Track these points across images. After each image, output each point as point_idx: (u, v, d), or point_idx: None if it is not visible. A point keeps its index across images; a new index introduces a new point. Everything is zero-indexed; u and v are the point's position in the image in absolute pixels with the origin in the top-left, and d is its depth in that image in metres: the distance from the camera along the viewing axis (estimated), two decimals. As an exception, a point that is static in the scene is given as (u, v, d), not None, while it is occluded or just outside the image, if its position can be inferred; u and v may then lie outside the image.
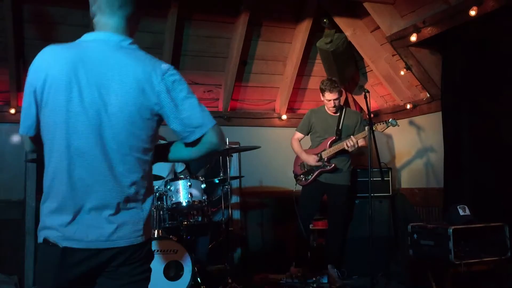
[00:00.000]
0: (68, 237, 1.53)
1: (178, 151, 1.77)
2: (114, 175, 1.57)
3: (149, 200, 1.66)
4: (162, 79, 1.59)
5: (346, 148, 4.34)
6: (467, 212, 3.91)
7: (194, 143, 1.68)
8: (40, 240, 1.60)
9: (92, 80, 1.55)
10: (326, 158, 4.49)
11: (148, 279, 1.66)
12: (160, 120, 1.65)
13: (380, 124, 4.38)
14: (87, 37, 1.65)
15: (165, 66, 1.62)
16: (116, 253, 1.56)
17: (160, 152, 1.77)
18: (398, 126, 4.41)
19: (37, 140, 1.63)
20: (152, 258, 1.70)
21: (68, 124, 1.54)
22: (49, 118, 1.56)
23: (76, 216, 1.54)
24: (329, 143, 4.51)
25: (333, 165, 4.48)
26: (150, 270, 1.67)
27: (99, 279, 1.60)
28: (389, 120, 4.35)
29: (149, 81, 1.58)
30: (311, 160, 4.52)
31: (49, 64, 1.57)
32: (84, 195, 1.55)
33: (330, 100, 4.51)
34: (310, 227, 4.99)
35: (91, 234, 1.53)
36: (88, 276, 1.58)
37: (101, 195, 1.55)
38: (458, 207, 3.92)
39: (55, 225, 1.55)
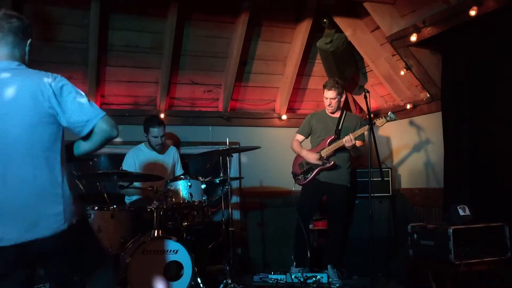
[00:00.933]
0: None
1: (80, 146, 2.10)
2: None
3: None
4: (50, 86, 1.95)
5: (344, 143, 4.36)
6: (467, 212, 3.90)
7: (89, 136, 2.02)
8: None
9: None
10: (325, 156, 4.51)
11: None
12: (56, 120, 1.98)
13: (379, 119, 4.39)
14: None
15: (52, 75, 1.99)
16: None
17: (68, 151, 2.08)
18: (397, 119, 4.44)
19: None
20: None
21: None
22: None
23: None
24: (328, 141, 4.54)
25: (332, 162, 4.49)
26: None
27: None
28: (388, 114, 4.38)
29: (40, 90, 1.93)
30: (311, 157, 4.54)
31: None
32: None
33: (326, 98, 4.61)
34: (310, 227, 4.99)
35: None
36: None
37: None
38: (458, 207, 3.92)
39: None
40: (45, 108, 1.93)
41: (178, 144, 5.23)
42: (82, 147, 2.09)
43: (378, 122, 4.38)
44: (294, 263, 4.61)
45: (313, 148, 4.67)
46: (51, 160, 1.96)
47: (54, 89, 1.95)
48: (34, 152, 1.93)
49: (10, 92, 1.92)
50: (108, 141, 2.07)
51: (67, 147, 2.09)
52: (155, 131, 4.48)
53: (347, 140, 4.34)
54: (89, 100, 2.03)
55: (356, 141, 4.44)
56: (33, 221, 1.90)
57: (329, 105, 4.61)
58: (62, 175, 1.99)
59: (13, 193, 1.90)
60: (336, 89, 4.54)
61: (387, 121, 4.39)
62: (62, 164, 2.00)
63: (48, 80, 1.96)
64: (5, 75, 1.96)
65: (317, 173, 4.56)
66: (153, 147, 4.60)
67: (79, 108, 1.98)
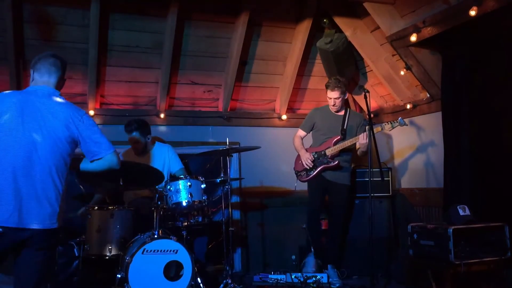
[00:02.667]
0: None
1: (86, 163, 2.63)
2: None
3: None
4: (80, 118, 2.52)
5: (359, 141, 4.36)
6: (467, 212, 3.91)
7: (99, 160, 2.58)
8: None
9: (32, 116, 2.42)
10: (330, 155, 4.52)
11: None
12: (76, 144, 2.55)
13: (387, 124, 4.41)
14: (30, 88, 2.56)
15: (82, 111, 2.57)
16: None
17: (74, 163, 2.59)
18: (407, 125, 4.45)
19: None
20: None
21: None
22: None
23: None
24: (334, 141, 4.54)
25: (337, 161, 4.51)
26: None
27: None
28: (398, 120, 4.39)
29: (72, 119, 2.49)
30: (305, 158, 4.55)
31: (5, 98, 2.45)
32: None
33: (330, 98, 4.61)
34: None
35: None
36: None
37: None
38: (458, 207, 3.92)
39: None
40: (72, 134, 2.49)
41: None
42: (88, 165, 2.62)
43: (386, 127, 4.41)
44: (312, 252, 4.53)
45: (317, 146, 4.66)
46: (60, 171, 2.47)
47: (83, 122, 2.53)
48: (53, 161, 2.43)
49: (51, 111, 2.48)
50: (109, 169, 2.62)
51: (75, 160, 2.56)
52: (128, 136, 4.47)
53: (363, 137, 4.31)
54: (104, 137, 2.59)
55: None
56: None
57: (333, 105, 4.61)
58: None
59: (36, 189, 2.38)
60: (340, 88, 4.55)
61: (393, 127, 4.41)
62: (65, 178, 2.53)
63: (80, 114, 2.53)
64: (51, 101, 2.52)
65: (320, 171, 4.56)
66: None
67: (97, 141, 2.55)
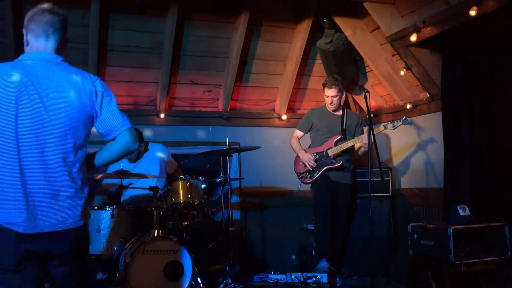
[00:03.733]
0: None
1: (101, 155, 2.18)
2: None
3: None
4: (93, 86, 2.05)
5: (363, 140, 4.36)
6: (467, 212, 3.91)
7: (112, 144, 2.13)
8: None
9: (33, 87, 1.94)
10: (332, 156, 4.51)
11: None
12: (92, 120, 2.08)
13: (389, 123, 4.43)
14: (25, 56, 2.06)
15: (94, 76, 2.09)
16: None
17: (89, 160, 2.17)
18: (410, 124, 4.48)
19: None
20: None
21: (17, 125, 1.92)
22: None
23: None
24: (334, 141, 4.54)
25: (341, 162, 4.50)
26: None
27: None
28: (403, 118, 4.42)
29: (83, 86, 2.02)
30: (307, 159, 4.54)
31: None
32: None
33: (328, 97, 4.60)
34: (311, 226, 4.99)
35: None
36: None
37: None
38: (458, 207, 3.92)
39: None
40: (85, 105, 2.03)
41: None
42: (102, 156, 2.18)
43: (389, 126, 4.43)
44: (324, 260, 4.45)
45: (317, 146, 4.65)
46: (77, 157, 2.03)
47: (96, 89, 2.06)
48: (67, 147, 2.00)
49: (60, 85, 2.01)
50: (127, 152, 2.17)
51: (89, 157, 2.16)
52: None
53: (366, 137, 4.28)
54: (120, 110, 2.15)
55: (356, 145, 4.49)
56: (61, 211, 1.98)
57: (330, 103, 4.60)
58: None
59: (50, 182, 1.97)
60: (337, 86, 4.54)
61: (395, 127, 4.42)
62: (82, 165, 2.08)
63: (92, 79, 2.07)
64: (55, 68, 2.04)
65: (324, 173, 4.55)
66: None
67: (113, 114, 2.09)
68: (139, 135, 4.43)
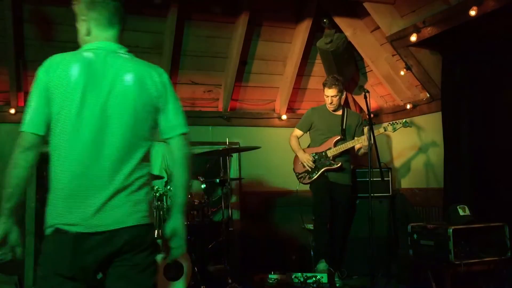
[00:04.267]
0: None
1: (179, 188, 1.99)
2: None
3: None
4: (160, 77, 1.92)
5: (363, 142, 4.35)
6: (467, 212, 3.91)
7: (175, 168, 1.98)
8: None
9: (100, 79, 1.80)
10: (331, 157, 4.51)
11: None
12: (157, 114, 1.92)
13: (389, 125, 4.44)
14: (90, 46, 1.90)
15: (160, 68, 1.96)
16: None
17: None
18: (410, 127, 4.53)
19: (41, 138, 1.79)
20: None
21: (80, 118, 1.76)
22: (61, 115, 1.76)
23: None
24: (334, 142, 4.53)
25: (340, 163, 4.50)
26: None
27: None
28: (404, 121, 4.43)
29: (149, 76, 1.88)
30: (306, 160, 4.53)
31: (61, 66, 1.79)
32: None
33: (328, 97, 4.58)
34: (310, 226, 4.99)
35: None
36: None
37: None
38: (458, 207, 3.92)
39: None
40: (152, 97, 1.89)
41: None
42: (182, 189, 1.98)
43: (389, 129, 4.44)
44: (323, 260, 4.42)
45: (317, 146, 4.65)
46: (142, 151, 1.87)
47: (163, 81, 1.94)
48: (134, 140, 1.84)
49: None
50: (188, 160, 1.99)
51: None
52: None
53: (366, 139, 4.27)
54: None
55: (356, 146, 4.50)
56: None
57: (330, 103, 4.59)
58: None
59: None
60: (337, 86, 4.53)
61: (394, 129, 4.44)
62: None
63: (159, 71, 1.94)
64: (120, 59, 1.90)
65: (322, 173, 4.55)
66: None
67: (177, 111, 1.99)
68: None
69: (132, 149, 1.82)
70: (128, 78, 1.83)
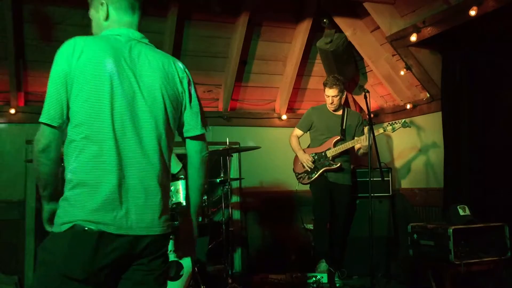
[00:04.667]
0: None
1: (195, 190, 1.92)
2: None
3: None
4: (184, 71, 1.82)
5: (361, 142, 4.36)
6: (467, 212, 3.91)
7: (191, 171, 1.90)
8: None
9: (127, 66, 1.67)
10: (331, 157, 4.51)
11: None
12: (181, 109, 1.82)
13: (389, 125, 4.44)
14: (111, 31, 1.77)
15: (182, 63, 1.86)
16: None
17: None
18: (410, 127, 4.54)
19: (60, 130, 1.65)
20: None
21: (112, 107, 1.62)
22: (87, 104, 1.61)
23: None
24: (333, 142, 4.53)
25: (339, 164, 4.50)
26: None
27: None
28: (403, 121, 4.44)
29: (174, 68, 1.78)
30: (305, 160, 4.53)
31: (84, 52, 1.63)
32: None
33: (328, 97, 4.58)
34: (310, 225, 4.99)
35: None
36: None
37: None
38: (458, 207, 3.92)
39: None
40: (176, 88, 1.78)
41: None
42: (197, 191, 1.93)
43: (389, 128, 4.43)
44: (323, 260, 4.44)
45: (316, 146, 4.65)
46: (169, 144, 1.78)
47: (187, 75, 1.84)
48: (161, 132, 1.73)
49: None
50: (205, 164, 1.92)
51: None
52: None
53: (366, 139, 4.28)
54: None
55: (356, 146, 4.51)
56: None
57: (331, 103, 4.58)
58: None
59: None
60: (338, 86, 4.52)
61: (394, 129, 4.44)
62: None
63: (182, 65, 1.85)
64: (144, 47, 1.78)
65: (322, 174, 4.55)
66: None
67: (198, 109, 1.87)
68: None
69: (163, 148, 1.71)
70: (155, 69, 1.72)
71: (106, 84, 1.62)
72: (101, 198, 1.57)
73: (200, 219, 4.04)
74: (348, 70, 5.34)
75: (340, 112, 4.69)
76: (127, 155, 1.62)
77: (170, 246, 3.56)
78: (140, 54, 1.72)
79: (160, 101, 1.71)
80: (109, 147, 1.60)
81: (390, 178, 4.96)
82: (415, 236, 3.98)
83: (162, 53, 1.80)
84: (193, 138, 1.87)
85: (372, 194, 4.08)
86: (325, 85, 4.58)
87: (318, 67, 5.67)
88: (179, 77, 1.78)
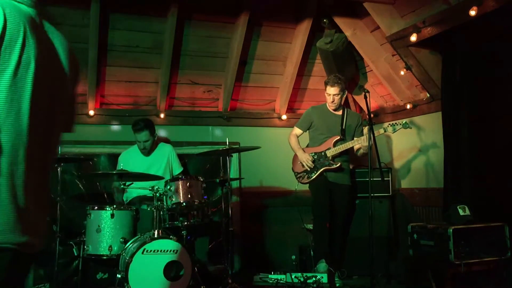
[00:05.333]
0: None
1: None
2: None
3: None
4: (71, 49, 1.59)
5: (361, 142, 4.36)
6: (467, 212, 3.91)
7: None
8: None
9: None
10: (330, 157, 4.51)
11: None
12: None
13: (390, 126, 4.44)
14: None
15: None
16: None
17: None
18: (411, 128, 4.55)
19: None
20: None
21: None
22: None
23: None
24: (333, 142, 4.53)
25: (339, 164, 4.50)
26: None
27: None
28: (404, 122, 4.44)
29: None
30: (305, 159, 4.53)
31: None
32: None
33: (329, 95, 4.57)
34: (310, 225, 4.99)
35: None
36: None
37: None
38: (458, 207, 3.92)
39: None
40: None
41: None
42: None
43: (389, 129, 4.43)
44: (323, 260, 4.42)
45: (316, 146, 4.65)
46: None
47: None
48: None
49: None
50: None
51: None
52: (137, 136, 4.44)
53: (366, 139, 4.28)
54: None
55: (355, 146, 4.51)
56: None
57: (332, 102, 4.57)
58: None
59: None
60: (339, 85, 4.51)
61: (394, 130, 4.44)
62: None
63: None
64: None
65: (321, 173, 4.55)
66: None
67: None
68: (153, 125, 4.48)
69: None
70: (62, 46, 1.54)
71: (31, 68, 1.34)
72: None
73: (200, 219, 4.07)
74: (348, 70, 5.34)
75: (340, 112, 4.68)
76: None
77: (171, 246, 3.57)
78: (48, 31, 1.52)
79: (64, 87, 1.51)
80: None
81: (390, 178, 4.96)
82: (415, 236, 3.99)
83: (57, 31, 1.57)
84: None
85: (372, 194, 4.08)
86: (326, 83, 4.57)
87: (318, 67, 5.67)
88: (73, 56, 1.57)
